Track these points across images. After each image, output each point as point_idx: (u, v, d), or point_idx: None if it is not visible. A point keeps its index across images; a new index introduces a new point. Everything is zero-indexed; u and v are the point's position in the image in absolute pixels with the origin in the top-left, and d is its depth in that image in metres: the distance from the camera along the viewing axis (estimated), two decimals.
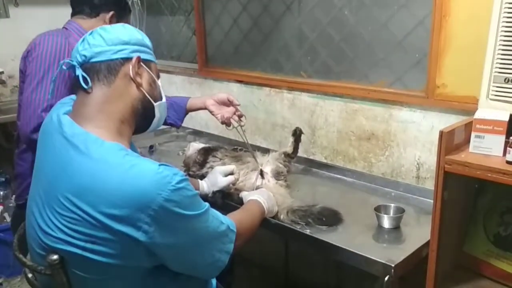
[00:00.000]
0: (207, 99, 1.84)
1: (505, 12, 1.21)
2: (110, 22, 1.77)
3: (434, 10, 1.65)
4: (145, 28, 3.01)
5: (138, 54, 1.10)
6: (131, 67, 1.08)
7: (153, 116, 1.16)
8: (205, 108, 1.85)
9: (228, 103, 1.80)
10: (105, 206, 0.93)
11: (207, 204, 1.07)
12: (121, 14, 1.82)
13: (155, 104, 1.14)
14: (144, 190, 0.93)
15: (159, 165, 0.97)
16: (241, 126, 1.78)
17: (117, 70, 1.07)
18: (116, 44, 1.07)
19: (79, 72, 1.05)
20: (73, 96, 1.13)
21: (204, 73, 2.67)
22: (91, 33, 1.09)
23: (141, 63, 1.11)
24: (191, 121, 2.14)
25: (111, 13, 1.78)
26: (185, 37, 2.80)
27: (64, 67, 1.09)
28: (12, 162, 2.91)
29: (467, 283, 1.41)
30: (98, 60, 1.06)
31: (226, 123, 1.78)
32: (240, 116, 1.80)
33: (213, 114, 1.82)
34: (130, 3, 2.78)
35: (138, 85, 1.10)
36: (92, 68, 1.06)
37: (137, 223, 0.93)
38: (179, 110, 1.90)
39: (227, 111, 1.79)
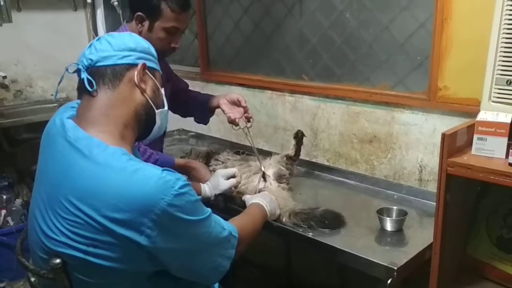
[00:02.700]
0: (221, 98, 1.88)
1: (506, 15, 1.21)
2: (140, 24, 1.68)
3: (435, 13, 1.65)
4: None
5: (143, 61, 1.11)
6: (136, 73, 1.09)
7: (154, 123, 1.16)
8: (219, 107, 1.88)
9: (238, 103, 1.82)
10: (108, 210, 0.93)
11: (209, 209, 1.08)
12: (150, 15, 1.66)
13: (156, 111, 1.14)
14: (147, 194, 0.93)
15: (162, 170, 0.97)
16: (247, 128, 1.79)
17: (122, 75, 1.07)
18: (123, 50, 1.08)
19: (84, 75, 1.06)
20: (78, 101, 1.13)
21: (206, 77, 2.68)
22: (98, 39, 1.11)
23: (146, 70, 1.12)
24: (193, 124, 2.14)
25: (136, 14, 1.67)
26: (187, 41, 2.80)
27: (70, 70, 1.10)
28: (15, 166, 2.93)
29: (470, 286, 1.40)
30: (104, 64, 1.07)
31: (233, 122, 1.79)
32: (248, 118, 1.81)
33: (224, 113, 1.84)
34: None
35: (142, 91, 1.10)
36: (97, 71, 1.06)
37: (140, 227, 0.93)
38: (204, 109, 1.96)
39: (237, 111, 1.82)
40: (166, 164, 1.57)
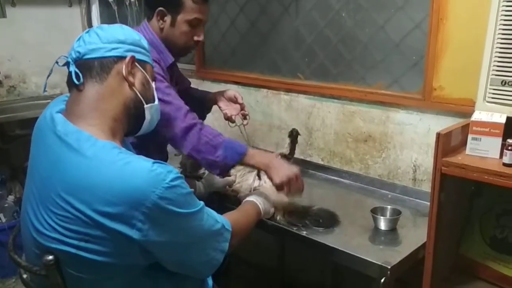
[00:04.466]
0: (218, 94, 1.86)
1: (502, 15, 1.22)
2: (162, 19, 1.61)
3: (431, 13, 1.65)
4: None
5: (132, 53, 1.09)
6: (124, 66, 1.07)
7: (144, 117, 1.14)
8: (216, 103, 1.86)
9: (235, 100, 1.82)
10: (99, 204, 0.92)
11: (202, 202, 1.07)
12: (172, 9, 1.60)
13: (145, 105, 1.13)
14: (137, 187, 0.92)
15: (153, 162, 0.96)
16: (244, 125, 1.78)
17: (110, 67, 1.06)
18: (111, 42, 1.07)
19: (72, 68, 1.05)
20: (68, 95, 1.12)
21: (202, 74, 2.67)
22: (87, 32, 1.09)
23: (136, 63, 1.10)
24: None
25: (158, 9, 1.60)
26: None
27: (59, 63, 1.08)
28: (8, 162, 2.91)
29: (464, 285, 1.41)
30: (92, 57, 1.05)
31: (230, 119, 1.79)
32: (244, 115, 1.80)
33: (220, 110, 1.84)
34: (127, 3, 2.79)
35: (131, 84, 1.09)
36: (85, 64, 1.05)
37: (131, 221, 0.93)
38: (201, 106, 1.92)
39: (234, 108, 1.81)
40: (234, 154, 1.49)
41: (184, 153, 1.53)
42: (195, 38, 1.66)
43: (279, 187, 1.47)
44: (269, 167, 1.49)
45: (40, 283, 1.10)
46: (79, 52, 1.05)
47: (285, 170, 1.47)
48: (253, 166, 1.53)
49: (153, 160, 0.97)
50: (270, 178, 1.48)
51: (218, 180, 1.66)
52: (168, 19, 1.61)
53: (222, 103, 1.83)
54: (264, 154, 1.57)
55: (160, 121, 1.37)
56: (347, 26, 1.95)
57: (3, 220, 2.68)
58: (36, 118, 1.15)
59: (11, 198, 2.79)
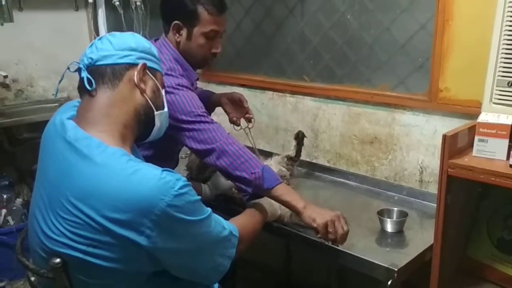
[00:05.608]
0: (222, 96, 1.85)
1: (508, 16, 1.22)
2: (178, 33, 1.58)
3: (436, 14, 1.65)
4: (148, 32, 3.03)
5: (144, 61, 1.11)
6: (136, 73, 1.08)
7: (153, 124, 1.15)
8: (220, 105, 1.85)
9: (240, 103, 1.81)
10: (108, 210, 0.93)
11: (209, 209, 1.07)
12: (188, 22, 1.57)
13: (156, 112, 1.14)
14: (146, 195, 0.93)
15: (162, 170, 0.97)
16: (249, 128, 1.79)
17: (122, 74, 1.07)
18: (123, 49, 1.08)
19: (84, 74, 1.06)
20: (79, 100, 1.13)
21: (207, 77, 2.68)
22: (100, 38, 1.10)
23: (147, 70, 1.12)
24: None
25: (173, 23, 1.57)
26: None
27: (71, 69, 1.10)
28: (16, 165, 2.93)
29: (470, 287, 1.40)
30: (104, 63, 1.06)
31: (235, 123, 1.79)
32: (249, 119, 1.79)
33: (226, 112, 1.83)
34: (133, 7, 2.81)
35: (142, 91, 1.10)
36: (97, 70, 1.06)
37: (140, 227, 0.93)
38: (206, 107, 1.85)
39: (239, 111, 1.80)
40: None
41: (217, 167, 1.49)
42: (213, 50, 1.63)
43: (322, 229, 1.35)
44: (306, 208, 1.39)
45: (47, 286, 1.11)
46: (91, 58, 1.06)
47: (326, 212, 1.39)
48: (287, 204, 1.43)
49: (162, 168, 0.98)
50: (311, 219, 1.37)
51: (224, 182, 1.67)
52: (184, 32, 1.58)
53: (228, 107, 1.82)
54: (298, 194, 1.45)
55: (197, 138, 1.46)
56: (352, 27, 1.95)
57: (11, 222, 2.69)
58: (44, 122, 1.15)
59: (19, 201, 2.81)
